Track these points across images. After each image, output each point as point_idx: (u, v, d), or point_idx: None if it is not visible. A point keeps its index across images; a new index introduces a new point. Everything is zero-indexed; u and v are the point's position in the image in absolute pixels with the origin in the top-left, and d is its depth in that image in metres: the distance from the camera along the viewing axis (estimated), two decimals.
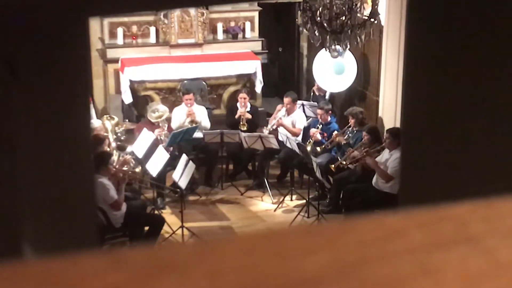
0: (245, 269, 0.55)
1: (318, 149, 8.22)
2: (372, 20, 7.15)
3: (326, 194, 8.03)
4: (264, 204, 8.27)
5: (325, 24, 7.06)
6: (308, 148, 7.99)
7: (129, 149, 7.99)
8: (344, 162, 7.64)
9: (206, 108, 9.10)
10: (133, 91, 9.71)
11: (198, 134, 8.55)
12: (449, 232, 0.59)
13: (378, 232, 0.59)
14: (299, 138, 8.51)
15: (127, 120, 9.69)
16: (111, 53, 10.01)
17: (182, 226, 7.12)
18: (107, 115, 8.58)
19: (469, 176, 2.10)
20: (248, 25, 10.48)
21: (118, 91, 9.93)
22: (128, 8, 3.00)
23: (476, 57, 2.01)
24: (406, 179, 2.42)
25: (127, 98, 9.63)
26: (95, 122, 8.05)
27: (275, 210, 8.06)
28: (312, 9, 7.07)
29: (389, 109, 8.36)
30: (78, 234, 2.22)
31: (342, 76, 9.36)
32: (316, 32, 7.10)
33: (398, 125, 7.76)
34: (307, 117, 8.93)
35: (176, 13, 9.92)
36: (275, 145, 8.22)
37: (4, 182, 1.99)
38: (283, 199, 8.21)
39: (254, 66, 10.05)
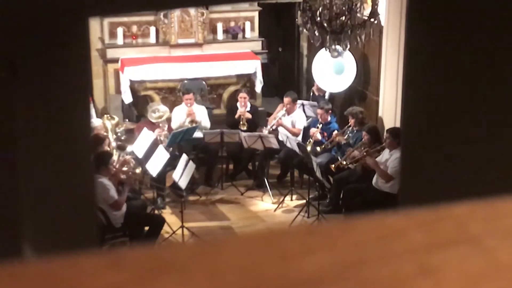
0: (245, 269, 0.55)
1: (318, 149, 8.22)
2: (372, 20, 7.15)
3: (326, 194, 8.03)
4: (264, 204, 8.27)
5: (325, 24, 7.06)
6: (308, 148, 7.99)
7: (129, 149, 8.00)
8: (344, 162, 7.65)
9: (206, 108, 9.10)
10: (133, 91, 9.71)
11: (198, 134, 8.55)
12: (449, 232, 0.59)
13: (378, 232, 0.59)
14: (299, 138, 8.51)
15: (127, 120, 9.69)
16: (111, 53, 10.01)
17: (182, 226, 7.12)
18: (107, 115, 8.58)
19: (469, 176, 2.10)
20: (248, 25, 10.48)
21: (118, 91, 9.94)
22: (128, 8, 3.00)
23: (476, 57, 2.01)
24: (406, 179, 2.42)
25: (127, 98, 9.64)
26: (95, 122, 8.05)
27: (275, 210, 8.06)
28: (312, 9, 7.08)
29: (389, 109, 8.36)
30: (78, 234, 2.22)
31: (342, 76, 9.36)
32: (316, 32, 7.11)
33: (398, 125, 7.76)
34: (307, 117, 8.92)
35: (176, 13, 9.92)
36: (275, 145, 8.22)
37: (4, 182, 1.99)
38: (283, 199, 8.21)
39: (254, 66, 10.05)
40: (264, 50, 10.73)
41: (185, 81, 9.86)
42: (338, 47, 7.51)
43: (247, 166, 8.99)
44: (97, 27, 10.03)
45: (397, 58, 7.94)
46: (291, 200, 8.30)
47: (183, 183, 7.17)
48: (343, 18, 7.04)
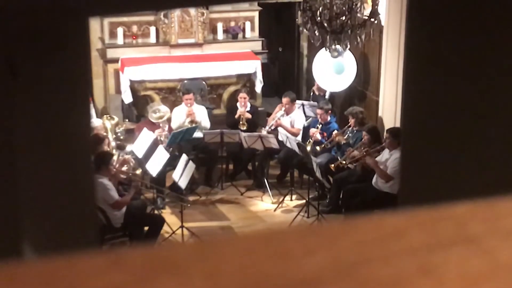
0: (245, 269, 0.55)
1: (318, 148, 8.22)
2: (372, 20, 7.15)
3: (326, 194, 8.03)
4: (264, 204, 8.27)
5: (325, 24, 7.06)
6: (308, 148, 7.99)
7: (128, 148, 8.00)
8: (344, 162, 7.65)
9: (206, 108, 9.10)
10: (133, 91, 9.71)
11: (198, 134, 8.55)
12: (449, 232, 0.59)
13: (378, 232, 0.59)
14: (299, 138, 8.51)
15: (127, 120, 9.70)
16: (111, 53, 10.01)
17: (182, 226, 7.13)
18: (107, 115, 8.58)
19: (469, 176, 2.10)
20: (248, 25, 10.48)
21: (118, 91, 9.93)
22: (128, 8, 3.00)
23: (476, 57, 2.01)
24: (406, 179, 2.42)
25: (127, 98, 9.64)
26: (95, 122, 8.05)
27: (275, 210, 8.06)
28: (312, 9, 7.08)
29: (389, 109, 8.36)
30: (78, 234, 2.22)
31: (342, 76, 9.36)
32: (316, 32, 7.11)
33: (398, 125, 7.76)
34: (307, 117, 8.93)
35: (176, 13, 9.93)
36: (275, 145, 8.22)
37: (4, 182, 1.99)
38: (283, 199, 8.21)
39: (254, 66, 10.05)
40: (264, 50, 10.74)
41: (185, 81, 9.87)
42: (338, 47, 7.51)
43: (247, 166, 8.99)
44: (97, 27, 10.03)
45: (397, 58, 7.94)
46: (291, 200, 8.30)
47: (183, 183, 7.18)
48: (343, 18, 7.04)
